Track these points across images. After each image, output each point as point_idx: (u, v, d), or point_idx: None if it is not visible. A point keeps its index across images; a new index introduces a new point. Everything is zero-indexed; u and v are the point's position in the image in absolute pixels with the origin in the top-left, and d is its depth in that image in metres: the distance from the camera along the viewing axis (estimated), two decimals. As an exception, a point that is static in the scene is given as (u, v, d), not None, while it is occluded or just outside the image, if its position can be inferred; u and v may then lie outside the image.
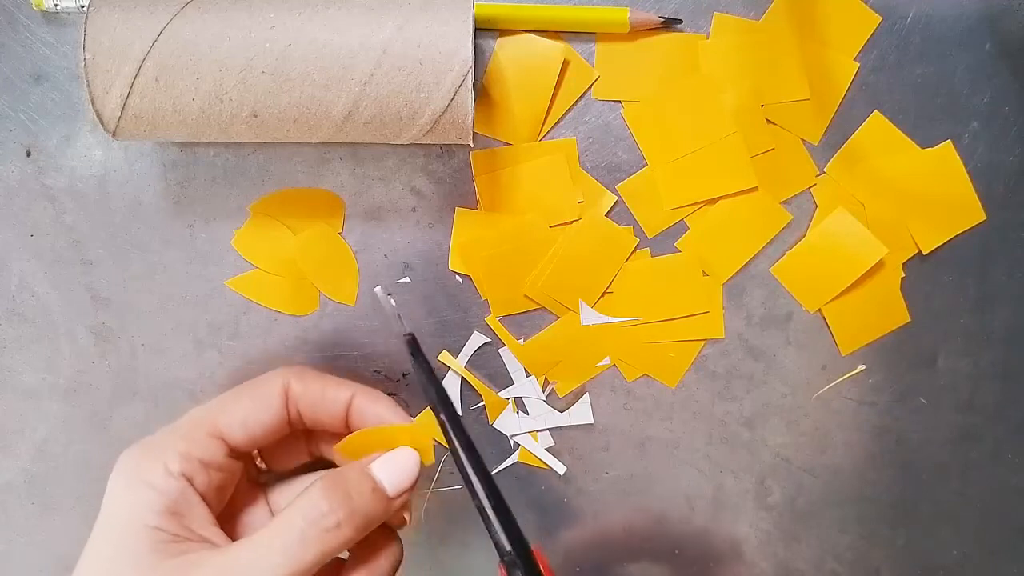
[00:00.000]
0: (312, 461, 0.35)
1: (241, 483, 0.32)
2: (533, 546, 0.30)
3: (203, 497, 0.29)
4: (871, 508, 0.39)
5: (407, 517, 0.32)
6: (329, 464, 0.35)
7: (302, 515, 0.27)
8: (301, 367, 0.33)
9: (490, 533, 0.30)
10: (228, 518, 0.31)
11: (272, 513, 0.33)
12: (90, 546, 0.28)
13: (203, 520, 0.28)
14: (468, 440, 0.31)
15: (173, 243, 0.37)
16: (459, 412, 0.33)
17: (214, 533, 0.29)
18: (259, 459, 0.34)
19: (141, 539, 0.27)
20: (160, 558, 0.26)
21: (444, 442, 0.31)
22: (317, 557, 0.27)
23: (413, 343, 0.32)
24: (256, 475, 0.34)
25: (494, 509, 0.30)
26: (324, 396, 0.32)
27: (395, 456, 0.30)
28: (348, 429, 0.32)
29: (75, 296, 0.37)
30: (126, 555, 0.27)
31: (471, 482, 0.30)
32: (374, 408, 0.32)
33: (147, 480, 0.28)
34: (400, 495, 0.30)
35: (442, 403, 0.31)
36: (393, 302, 0.33)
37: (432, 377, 0.32)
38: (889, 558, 0.40)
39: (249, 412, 0.30)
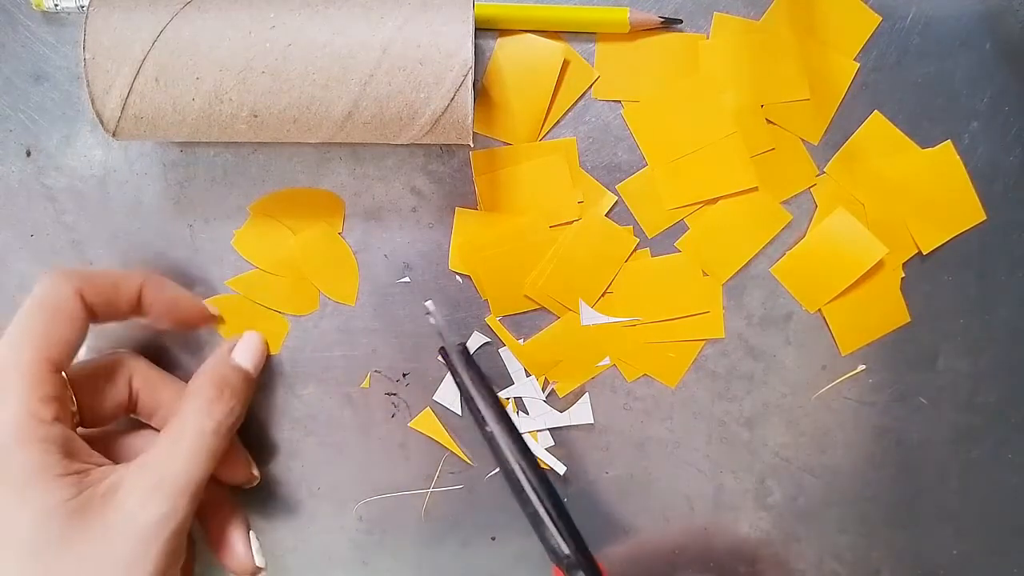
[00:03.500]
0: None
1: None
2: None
3: (69, 426, 0.29)
4: (871, 508, 0.39)
5: (254, 473, 0.37)
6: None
7: (197, 406, 0.31)
8: (81, 270, 0.34)
9: (544, 539, 0.30)
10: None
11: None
12: (7, 518, 0.27)
13: (87, 449, 0.30)
14: (524, 445, 0.31)
15: (173, 243, 0.37)
16: (513, 422, 0.35)
17: (100, 457, 0.30)
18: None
19: (58, 490, 0.27)
20: (87, 496, 0.28)
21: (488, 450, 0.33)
22: (221, 448, 0.31)
23: (465, 353, 0.33)
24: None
25: (556, 512, 0.30)
26: (116, 292, 0.32)
27: (248, 340, 0.36)
28: (139, 315, 0.33)
29: (75, 296, 0.37)
30: (51, 508, 0.27)
31: (523, 488, 0.31)
32: (162, 294, 0.34)
33: (34, 436, 0.27)
34: (257, 369, 0.36)
35: (499, 414, 0.32)
36: (432, 320, 0.35)
37: (489, 389, 0.33)
38: (889, 558, 0.40)
39: (63, 331, 0.29)
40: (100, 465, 0.29)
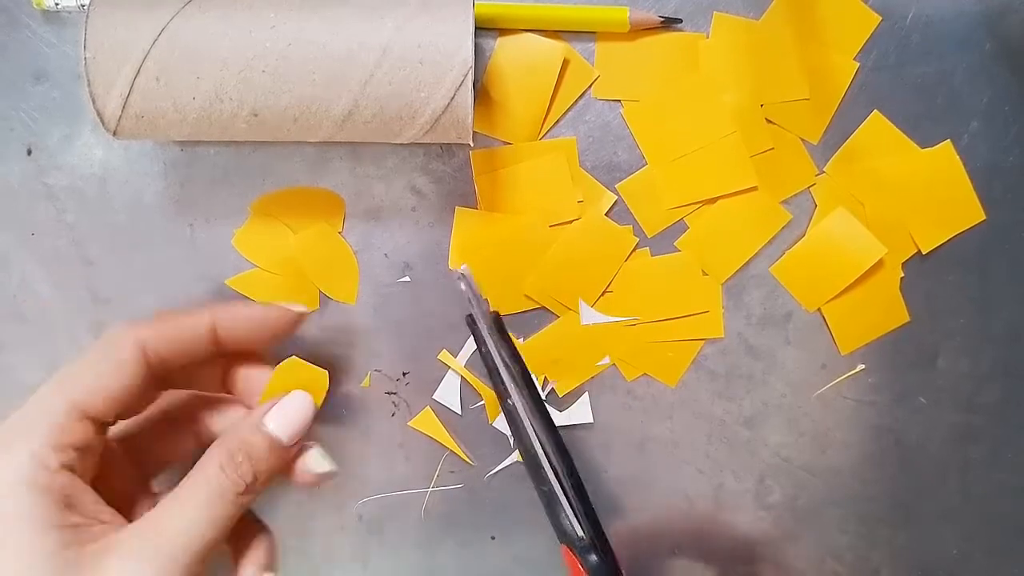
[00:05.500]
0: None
1: (124, 468, 0.32)
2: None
3: (83, 478, 0.28)
4: (871, 508, 0.39)
5: (318, 469, 0.33)
6: None
7: (207, 472, 0.28)
8: (141, 321, 0.31)
9: (556, 518, 0.29)
10: (112, 502, 0.30)
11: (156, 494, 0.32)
12: None
13: (95, 503, 0.28)
14: (549, 421, 0.30)
15: (173, 242, 0.37)
16: (539, 394, 0.33)
17: (109, 513, 0.28)
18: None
19: (49, 541, 0.26)
20: (74, 552, 0.26)
21: (508, 423, 0.32)
22: (232, 518, 0.28)
23: (498, 322, 0.32)
24: (145, 472, 0.33)
25: (574, 492, 0.29)
26: (183, 337, 0.30)
27: (287, 404, 0.31)
28: (221, 354, 0.32)
29: (75, 296, 0.37)
30: (38, 560, 0.25)
31: (540, 465, 0.30)
32: (238, 321, 0.31)
33: (31, 482, 0.26)
34: (295, 441, 0.31)
35: (526, 387, 0.31)
36: (463, 286, 0.32)
37: (518, 360, 0.31)
38: (889, 558, 0.40)
39: (106, 379, 0.28)
40: (105, 522, 0.27)
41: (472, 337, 0.32)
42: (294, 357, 0.33)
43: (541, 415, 0.30)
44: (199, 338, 0.31)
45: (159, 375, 0.30)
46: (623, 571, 0.30)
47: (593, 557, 0.29)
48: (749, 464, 0.39)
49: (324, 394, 0.33)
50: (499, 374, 0.31)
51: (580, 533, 0.29)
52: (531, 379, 0.32)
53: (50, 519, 0.26)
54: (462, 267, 0.32)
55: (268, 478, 0.30)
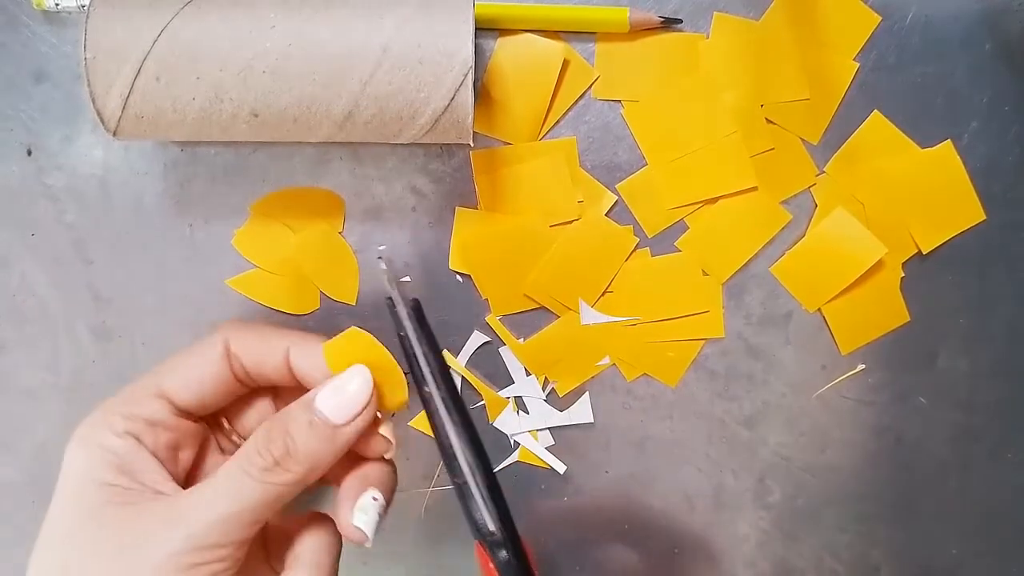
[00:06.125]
0: None
1: (213, 453, 0.32)
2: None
3: (154, 454, 0.29)
4: (871, 507, 0.39)
5: (389, 439, 0.31)
6: None
7: (240, 458, 0.28)
8: (241, 322, 0.33)
9: (469, 512, 0.29)
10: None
11: None
12: (50, 510, 0.28)
13: (156, 475, 0.29)
14: (465, 415, 0.30)
15: (173, 243, 0.37)
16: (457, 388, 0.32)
17: (170, 488, 0.29)
18: (232, 432, 0.34)
19: (94, 495, 0.27)
20: (113, 509, 0.27)
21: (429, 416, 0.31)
22: (262, 498, 0.27)
23: (418, 309, 0.31)
24: (232, 447, 0.34)
25: (486, 486, 0.29)
26: (262, 349, 0.31)
27: (342, 383, 0.29)
28: (293, 382, 0.32)
29: (75, 296, 0.37)
30: (81, 511, 0.27)
31: (454, 456, 0.29)
32: (309, 360, 0.31)
33: (96, 441, 0.28)
34: (350, 423, 0.28)
35: (442, 374, 0.30)
36: (384, 265, 0.31)
37: (434, 344, 0.30)
38: (889, 557, 0.40)
39: (190, 370, 0.30)
40: (161, 493, 0.28)
41: (392, 319, 0.31)
42: (354, 328, 0.30)
43: (458, 408, 0.30)
44: (276, 361, 0.31)
45: (242, 378, 0.31)
46: (536, 570, 0.30)
47: (504, 553, 0.29)
48: (749, 464, 0.39)
49: (400, 387, 0.30)
50: (416, 361, 0.30)
51: (491, 528, 0.29)
52: (448, 372, 0.31)
53: (99, 476, 0.28)
54: (381, 248, 0.31)
55: (309, 459, 0.28)
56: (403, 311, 0.31)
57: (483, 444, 0.30)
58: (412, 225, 0.37)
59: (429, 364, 0.31)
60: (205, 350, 0.31)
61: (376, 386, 0.29)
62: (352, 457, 0.31)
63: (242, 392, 0.32)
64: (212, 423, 0.33)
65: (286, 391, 0.33)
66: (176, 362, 0.31)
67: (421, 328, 0.31)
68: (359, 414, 0.29)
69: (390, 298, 0.31)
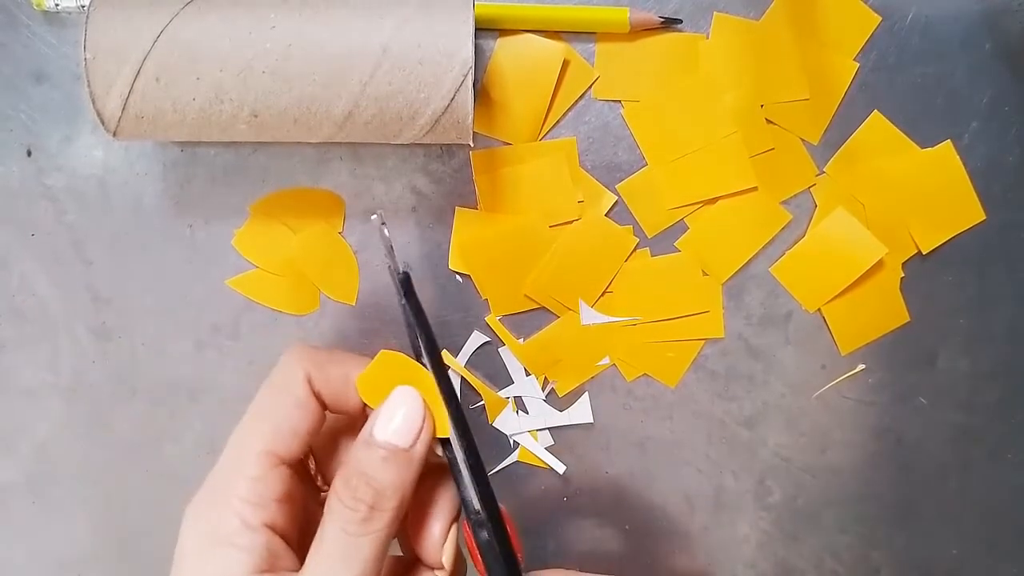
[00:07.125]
0: None
1: (309, 503, 0.30)
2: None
3: (285, 537, 0.27)
4: (871, 508, 0.39)
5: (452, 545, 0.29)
6: None
7: (336, 520, 0.26)
8: (312, 348, 0.30)
9: (457, 490, 0.29)
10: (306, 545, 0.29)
11: None
12: None
13: (287, 560, 0.27)
14: (452, 392, 0.29)
15: (173, 243, 0.37)
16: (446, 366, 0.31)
17: (295, 563, 0.27)
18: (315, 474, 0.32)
19: None
20: None
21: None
22: (373, 550, 0.26)
23: (407, 282, 0.30)
24: (317, 491, 0.32)
25: (470, 465, 0.28)
26: (344, 381, 0.29)
27: (391, 408, 0.28)
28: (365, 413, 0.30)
29: (75, 296, 0.37)
30: None
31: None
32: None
33: (228, 540, 0.26)
34: (418, 438, 0.28)
35: (429, 350, 0.29)
36: (387, 232, 0.30)
37: (423, 319, 0.30)
38: (889, 558, 0.40)
39: (294, 420, 0.28)
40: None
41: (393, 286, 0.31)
42: (384, 351, 0.29)
43: (442, 382, 0.29)
44: (358, 401, 0.29)
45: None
46: (520, 552, 0.29)
47: (484, 534, 0.28)
48: (749, 464, 0.39)
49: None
50: (416, 335, 0.30)
51: (476, 507, 0.29)
52: (437, 350, 0.30)
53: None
54: (378, 212, 0.30)
55: (399, 493, 0.27)
56: (395, 282, 0.30)
57: (468, 426, 0.29)
58: (412, 225, 0.37)
59: (420, 340, 0.30)
60: (291, 389, 0.28)
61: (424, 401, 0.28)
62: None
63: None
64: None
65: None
66: (272, 413, 0.28)
67: (410, 304, 0.30)
68: (422, 427, 0.28)
69: (390, 266, 0.30)
